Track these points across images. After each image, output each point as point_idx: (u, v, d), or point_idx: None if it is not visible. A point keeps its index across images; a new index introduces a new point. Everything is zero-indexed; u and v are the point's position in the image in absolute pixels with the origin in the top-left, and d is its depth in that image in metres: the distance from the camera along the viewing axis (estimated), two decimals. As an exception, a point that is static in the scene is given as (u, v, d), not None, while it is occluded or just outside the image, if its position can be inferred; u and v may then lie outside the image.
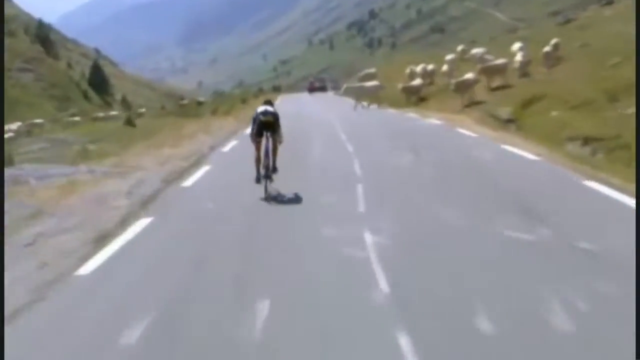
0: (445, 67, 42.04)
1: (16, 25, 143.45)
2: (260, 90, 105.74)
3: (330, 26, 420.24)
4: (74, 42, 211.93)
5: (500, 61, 32.59)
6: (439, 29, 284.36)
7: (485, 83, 30.95)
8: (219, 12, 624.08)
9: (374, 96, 37.56)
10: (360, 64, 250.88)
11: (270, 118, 13.25)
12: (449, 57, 46.43)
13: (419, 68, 44.41)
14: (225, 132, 27.68)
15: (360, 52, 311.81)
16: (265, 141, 13.26)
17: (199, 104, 69.30)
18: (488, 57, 38.42)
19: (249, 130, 14.05)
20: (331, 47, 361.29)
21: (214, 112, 44.50)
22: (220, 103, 62.08)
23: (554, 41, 34.85)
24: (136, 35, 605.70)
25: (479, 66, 32.78)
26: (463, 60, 47.15)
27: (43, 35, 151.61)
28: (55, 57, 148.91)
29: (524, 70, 31.57)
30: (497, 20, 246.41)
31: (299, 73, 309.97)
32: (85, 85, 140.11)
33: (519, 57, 33.04)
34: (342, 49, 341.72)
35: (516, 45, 39.67)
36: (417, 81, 39.17)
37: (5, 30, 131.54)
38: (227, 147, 22.63)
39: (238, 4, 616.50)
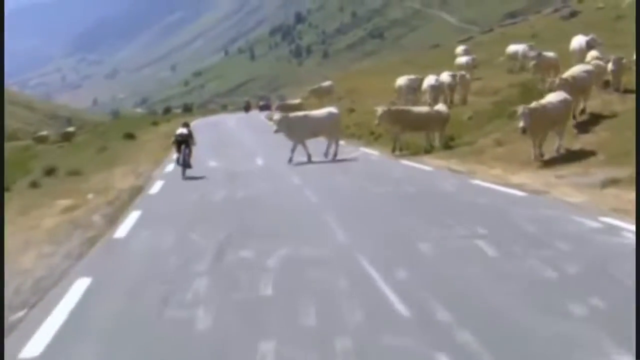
0: (447, 78, 32.49)
1: None
2: (168, 111, 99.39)
3: (250, 32, 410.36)
4: None
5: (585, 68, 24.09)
6: (378, 35, 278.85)
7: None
8: (119, 16, 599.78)
9: (331, 132, 24.76)
10: (287, 78, 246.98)
11: (185, 137, 23.71)
12: (461, 59, 37.73)
13: (425, 82, 32.49)
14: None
15: (286, 63, 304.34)
16: (183, 147, 23.14)
17: (66, 136, 58.78)
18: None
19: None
20: (252, 56, 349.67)
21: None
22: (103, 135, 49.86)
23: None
24: (19, 43, 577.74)
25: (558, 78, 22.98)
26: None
27: None
28: None
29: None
30: (446, 23, 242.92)
31: (214, 87, 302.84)
32: None
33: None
34: (265, 59, 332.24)
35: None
36: (422, 108, 28.08)
37: None
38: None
39: (142, 6, 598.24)
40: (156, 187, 19.21)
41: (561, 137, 20.42)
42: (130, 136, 44.91)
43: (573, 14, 79.78)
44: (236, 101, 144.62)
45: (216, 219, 13.61)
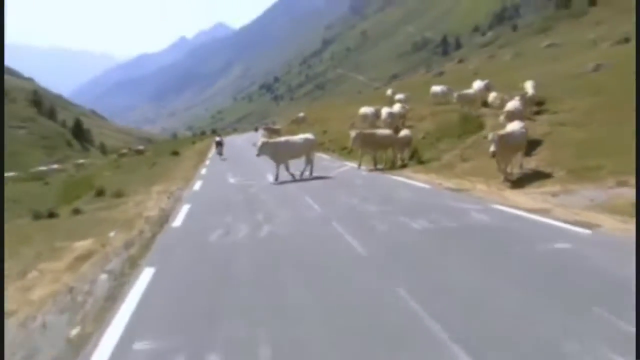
0: (395, 109, 24.27)
1: (16, 94, 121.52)
2: (203, 133, 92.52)
3: (248, 87, 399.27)
4: (76, 105, 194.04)
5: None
6: (321, 87, 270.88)
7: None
8: (174, 81, 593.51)
9: (308, 155, 17.03)
10: (270, 112, 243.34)
11: (219, 142, 30.56)
12: (399, 96, 29.98)
13: (383, 111, 23.60)
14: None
15: (269, 104, 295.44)
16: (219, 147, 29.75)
17: (138, 152, 50.39)
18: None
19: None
20: (250, 101, 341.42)
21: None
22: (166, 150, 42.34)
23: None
24: (122, 100, 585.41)
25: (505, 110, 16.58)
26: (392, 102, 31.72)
27: (37, 100, 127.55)
28: (51, 116, 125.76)
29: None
30: (358, 80, 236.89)
31: (229, 119, 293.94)
32: (69, 136, 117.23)
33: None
34: (257, 102, 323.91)
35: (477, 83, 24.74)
36: (385, 131, 19.44)
37: (7, 98, 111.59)
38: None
39: (186, 76, 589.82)
40: (180, 216, 10.89)
41: (522, 157, 13.43)
42: (175, 153, 36.67)
43: (441, 73, 73.86)
44: (242, 127, 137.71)
45: (243, 272, 6.22)
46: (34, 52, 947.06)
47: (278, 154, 16.57)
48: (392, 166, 17.36)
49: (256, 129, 73.61)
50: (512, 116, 15.31)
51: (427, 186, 12.46)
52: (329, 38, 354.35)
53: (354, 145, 17.72)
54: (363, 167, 17.60)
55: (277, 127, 44.96)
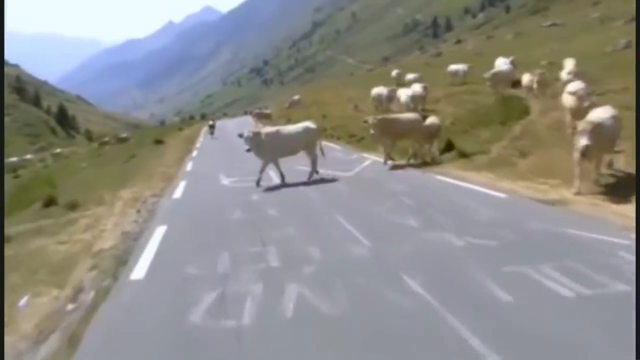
0: (416, 90, 19.76)
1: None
2: (192, 118, 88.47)
3: (238, 71, 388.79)
4: (61, 91, 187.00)
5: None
6: (311, 70, 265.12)
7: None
8: (163, 66, 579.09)
9: (310, 148, 12.74)
10: (260, 97, 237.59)
11: (212, 125, 34.53)
12: (410, 76, 26.08)
13: (402, 94, 19.62)
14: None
15: (259, 89, 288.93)
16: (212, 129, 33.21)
17: (120, 140, 46.07)
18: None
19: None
20: (239, 85, 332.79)
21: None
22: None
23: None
24: (111, 85, 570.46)
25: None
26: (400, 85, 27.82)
27: (20, 87, 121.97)
28: (36, 103, 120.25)
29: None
30: (347, 63, 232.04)
31: (218, 103, 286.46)
32: (53, 123, 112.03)
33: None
34: (246, 87, 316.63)
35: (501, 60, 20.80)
36: (410, 115, 15.04)
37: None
38: None
39: (175, 60, 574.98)
40: (148, 253, 6.81)
41: (613, 154, 9.91)
42: (159, 141, 32.57)
43: (439, 54, 69.79)
44: (232, 111, 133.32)
45: None
46: (21, 39, 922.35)
47: (268, 149, 12.12)
48: (424, 161, 13.68)
49: (246, 113, 69.78)
50: (580, 100, 11.82)
51: (499, 194, 8.80)
52: (318, 20, 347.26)
53: (373, 133, 13.72)
54: (389, 162, 13.83)
55: (267, 111, 41.18)
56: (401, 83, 28.52)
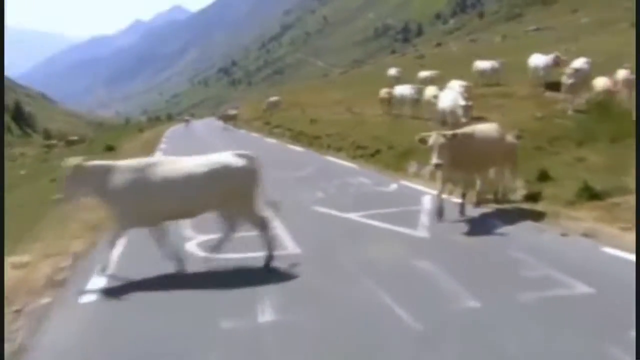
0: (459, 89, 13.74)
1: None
2: (158, 118, 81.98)
3: (205, 71, 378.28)
4: (21, 87, 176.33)
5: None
6: (280, 72, 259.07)
7: None
8: (130, 64, 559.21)
9: (233, 205, 5.99)
10: (227, 98, 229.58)
11: (187, 120, 41.89)
12: (424, 73, 20.72)
13: (430, 92, 14.71)
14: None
15: (226, 89, 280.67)
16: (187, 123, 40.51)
17: (69, 143, 39.23)
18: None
19: None
20: (206, 85, 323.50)
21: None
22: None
23: None
24: (77, 84, 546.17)
25: None
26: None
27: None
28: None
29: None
30: (317, 66, 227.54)
31: (185, 104, 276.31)
32: (7, 120, 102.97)
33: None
34: (214, 87, 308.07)
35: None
36: (486, 130, 8.37)
37: None
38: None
39: (142, 59, 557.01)
40: None
41: None
42: (110, 148, 25.98)
43: (421, 56, 65.04)
44: (199, 112, 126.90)
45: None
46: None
47: (121, 204, 5.73)
48: (495, 198, 8.31)
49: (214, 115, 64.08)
50: None
51: None
52: (288, 22, 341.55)
53: (438, 160, 7.13)
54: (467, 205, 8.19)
55: (232, 112, 35.67)
56: (425, 81, 23.36)
